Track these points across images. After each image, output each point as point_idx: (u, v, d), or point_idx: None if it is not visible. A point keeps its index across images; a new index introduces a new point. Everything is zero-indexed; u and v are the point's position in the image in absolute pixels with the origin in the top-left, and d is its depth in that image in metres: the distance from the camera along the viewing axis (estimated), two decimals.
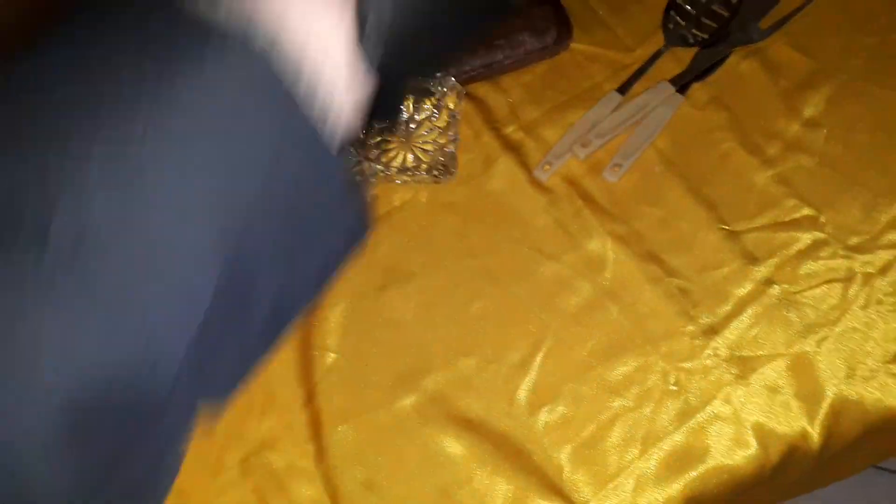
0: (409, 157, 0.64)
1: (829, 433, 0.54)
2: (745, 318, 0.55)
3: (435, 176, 0.63)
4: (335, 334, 0.58)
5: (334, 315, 0.59)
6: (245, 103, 0.18)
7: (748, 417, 0.53)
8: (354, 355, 0.58)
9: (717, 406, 0.53)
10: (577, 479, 0.52)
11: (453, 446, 0.54)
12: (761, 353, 0.54)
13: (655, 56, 0.66)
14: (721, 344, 0.54)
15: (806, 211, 0.58)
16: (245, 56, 0.18)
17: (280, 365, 0.58)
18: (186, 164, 0.17)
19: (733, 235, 0.58)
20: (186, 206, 0.18)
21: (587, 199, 0.61)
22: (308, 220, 0.21)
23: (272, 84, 0.18)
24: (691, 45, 0.65)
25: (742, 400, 0.53)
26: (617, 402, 0.53)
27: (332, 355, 0.58)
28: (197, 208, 0.18)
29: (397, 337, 0.58)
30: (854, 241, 0.57)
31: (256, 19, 0.18)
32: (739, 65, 0.65)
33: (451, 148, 0.63)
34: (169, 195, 0.17)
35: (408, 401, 0.56)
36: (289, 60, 0.18)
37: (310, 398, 0.57)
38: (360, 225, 0.23)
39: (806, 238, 0.57)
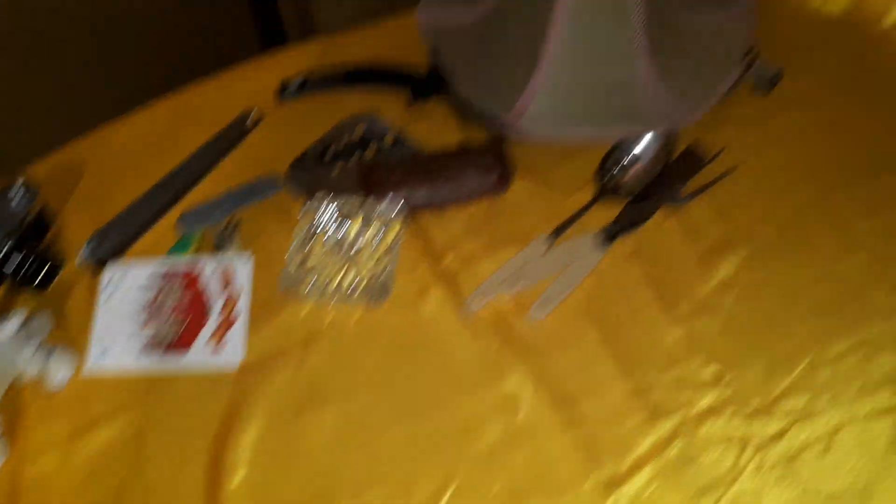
0: (349, 277, 0.65)
1: None
2: (646, 473, 0.55)
3: (369, 299, 0.64)
4: (248, 452, 0.57)
5: (249, 432, 0.58)
6: None
7: None
8: (264, 476, 0.56)
9: None
10: None
11: None
12: None
13: (588, 205, 0.69)
14: (620, 499, 0.55)
15: (711, 370, 0.60)
16: None
17: (186, 484, 0.56)
18: None
19: (642, 388, 0.59)
20: None
21: (510, 337, 0.62)
22: None
23: None
24: (620, 199, 0.69)
25: None
26: None
27: (242, 473, 0.56)
28: None
29: (309, 461, 0.57)
30: (753, 404, 0.58)
31: None
32: (663, 222, 0.68)
33: (388, 272, 0.64)
34: None
35: None
36: None
37: None
38: None
39: (709, 397, 0.59)
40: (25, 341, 0.57)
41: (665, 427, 0.58)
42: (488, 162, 0.68)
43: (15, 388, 0.59)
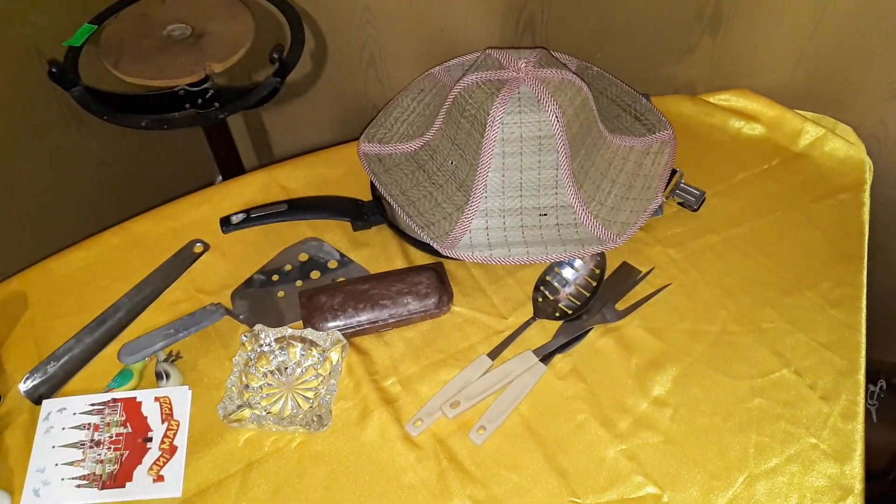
0: (290, 403, 0.68)
1: None
2: None
3: (308, 426, 0.66)
4: None
5: None
6: None
7: None
8: None
9: None
10: None
11: None
12: None
13: (525, 325, 0.73)
14: None
15: (650, 489, 0.62)
16: None
17: None
18: None
19: None
20: None
21: (452, 459, 0.64)
22: None
23: None
24: (556, 319, 0.74)
25: None
26: None
27: None
28: None
29: None
30: None
31: None
32: (598, 341, 0.72)
33: (326, 401, 0.67)
34: None
35: None
36: None
37: None
38: None
39: None
40: None
41: None
42: (430, 286, 0.73)
43: None
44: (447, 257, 0.75)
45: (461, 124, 0.75)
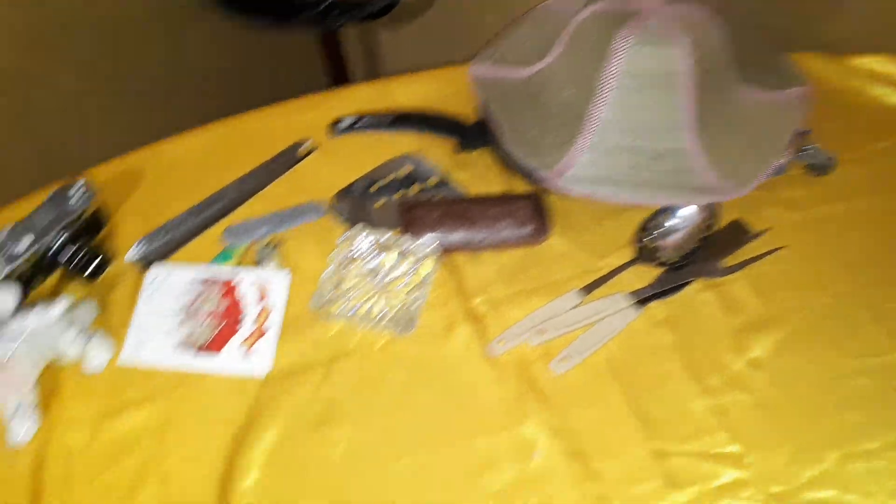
0: (378, 305, 0.69)
1: None
2: None
3: (395, 328, 0.68)
4: (262, 457, 0.60)
5: (266, 439, 0.61)
6: None
7: None
8: (274, 482, 0.58)
9: None
10: None
11: None
12: None
13: (623, 267, 0.72)
14: None
15: (734, 447, 0.61)
16: None
17: (203, 477, 0.59)
18: None
19: (660, 455, 0.60)
20: None
21: (532, 384, 0.65)
22: None
23: None
24: (656, 265, 0.73)
25: None
26: None
27: (256, 473, 0.59)
28: None
29: (319, 476, 0.59)
30: (775, 489, 0.58)
31: None
32: (698, 294, 0.70)
33: (416, 305, 0.69)
34: None
35: None
36: None
37: None
38: None
39: (729, 474, 0.59)
40: (69, 325, 0.62)
41: (679, 498, 0.58)
42: (527, 214, 0.73)
43: (54, 367, 0.64)
44: (550, 189, 0.74)
45: (580, 54, 0.73)
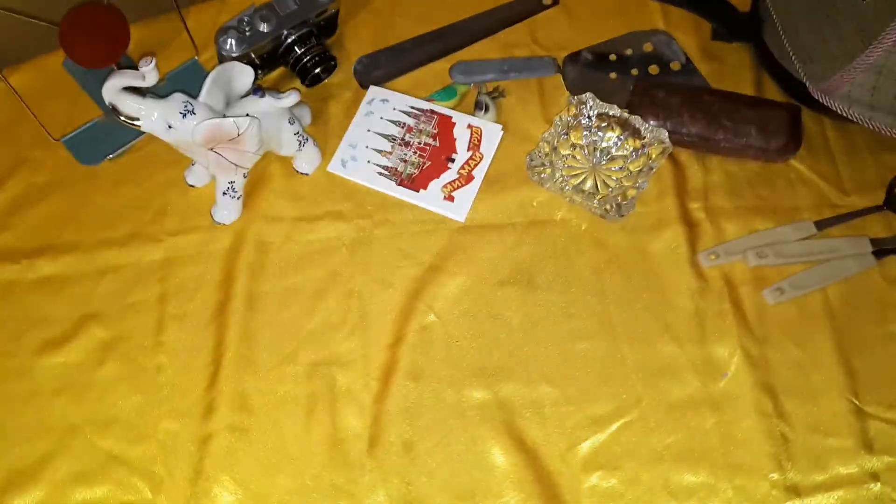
0: (590, 182, 0.66)
1: None
2: (834, 498, 0.53)
3: (605, 210, 0.65)
4: (444, 300, 0.60)
5: (452, 283, 0.61)
6: None
7: None
8: (451, 328, 0.59)
9: None
10: None
11: (498, 457, 0.55)
12: None
13: (867, 210, 0.64)
14: None
15: None
16: None
17: (383, 302, 0.61)
18: None
19: (860, 414, 0.56)
20: None
21: (737, 305, 0.60)
22: None
23: None
24: None
25: None
26: None
27: (433, 317, 0.60)
28: None
29: (496, 332, 0.59)
30: None
31: None
32: None
33: (633, 194, 0.65)
34: None
35: (478, 394, 0.57)
36: None
37: (396, 343, 0.59)
38: None
39: None
40: (292, 121, 0.63)
41: (872, 463, 0.54)
42: (780, 126, 0.65)
43: (268, 160, 0.67)
44: (810, 104, 0.66)
45: None
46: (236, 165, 0.61)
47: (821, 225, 0.64)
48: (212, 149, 0.58)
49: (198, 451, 0.56)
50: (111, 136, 0.68)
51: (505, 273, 0.62)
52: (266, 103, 0.61)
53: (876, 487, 0.54)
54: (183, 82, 0.69)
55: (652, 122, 0.66)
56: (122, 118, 0.56)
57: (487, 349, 0.59)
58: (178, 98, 0.57)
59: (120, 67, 0.64)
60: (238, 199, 0.64)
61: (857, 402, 0.56)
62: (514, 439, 0.56)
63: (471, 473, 0.55)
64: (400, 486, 0.55)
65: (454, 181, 0.66)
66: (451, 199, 0.65)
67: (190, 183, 0.67)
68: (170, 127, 0.56)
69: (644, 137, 0.66)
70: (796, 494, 0.53)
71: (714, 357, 0.58)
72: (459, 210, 0.65)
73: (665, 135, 0.65)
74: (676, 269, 0.62)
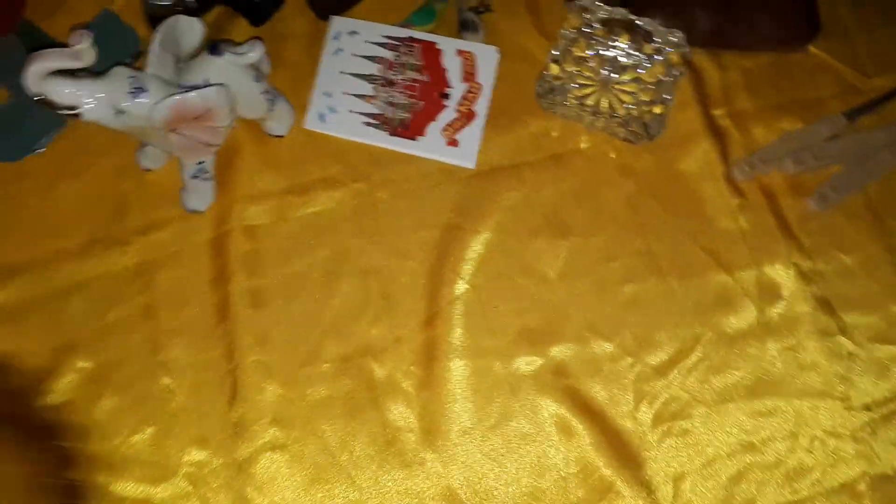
0: (605, 102, 0.60)
1: None
2: None
3: (631, 133, 0.59)
4: (472, 263, 0.55)
5: (476, 243, 0.55)
6: None
7: None
8: (486, 293, 0.54)
9: (846, 489, 0.50)
10: None
11: (563, 427, 0.51)
12: None
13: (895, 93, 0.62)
14: (873, 425, 0.51)
15: None
16: None
17: (404, 277, 0.54)
18: None
19: None
20: None
21: (780, 218, 0.57)
22: None
23: None
24: None
25: (874, 493, 0.50)
26: (745, 443, 0.51)
27: (464, 285, 0.54)
28: None
29: (535, 289, 0.54)
30: None
31: None
32: None
33: (660, 111, 0.59)
34: None
35: (529, 361, 0.53)
36: None
37: (430, 321, 0.53)
38: None
39: None
40: (258, 78, 0.53)
41: None
42: (792, 7, 0.60)
43: (236, 130, 0.57)
44: None
45: None
46: (207, 144, 0.51)
47: (851, 115, 0.60)
48: (173, 130, 0.49)
49: (238, 478, 0.50)
50: (30, 122, 0.57)
51: (532, 221, 0.56)
52: (226, 62, 0.50)
53: None
54: (100, 45, 0.56)
55: (660, 22, 0.60)
56: (57, 109, 0.45)
57: (528, 310, 0.54)
58: (121, 74, 0.46)
59: (21, 38, 0.52)
60: (211, 179, 0.55)
61: None
62: (578, 405, 0.52)
63: (539, 448, 0.51)
64: (465, 474, 0.51)
65: (454, 121, 0.58)
66: (454, 143, 0.58)
67: (145, 167, 0.57)
68: (119, 112, 0.46)
69: (658, 40, 0.59)
70: (869, 411, 0.52)
71: (767, 279, 0.55)
72: (467, 155, 0.58)
73: (680, 35, 0.59)
74: (713, 187, 0.58)
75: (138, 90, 0.46)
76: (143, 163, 0.57)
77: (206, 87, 0.48)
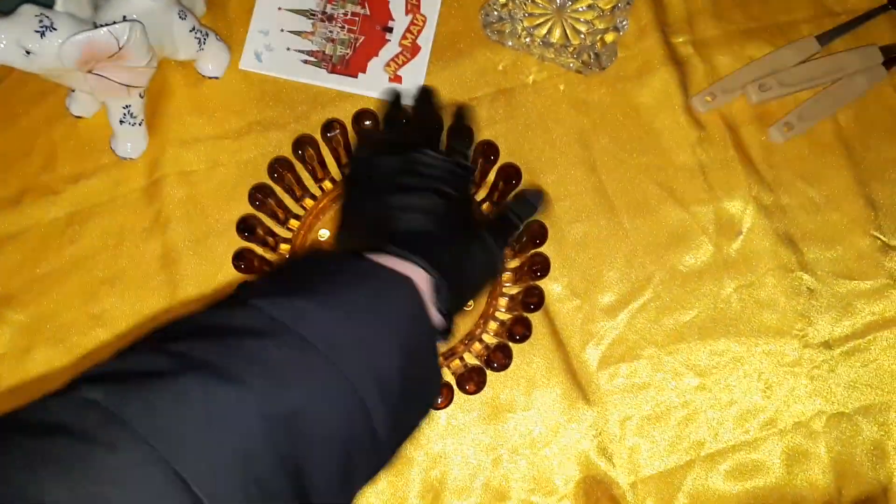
0: (558, 31, 0.57)
1: None
2: (867, 344, 0.51)
3: (582, 63, 0.56)
4: None
5: None
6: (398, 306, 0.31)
7: (831, 449, 0.49)
8: None
9: (801, 427, 0.49)
10: (628, 451, 0.49)
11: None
12: (871, 391, 0.50)
13: (872, 13, 0.58)
14: (831, 363, 0.51)
15: None
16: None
17: None
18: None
19: (887, 250, 0.53)
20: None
21: (742, 151, 0.55)
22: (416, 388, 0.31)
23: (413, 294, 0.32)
24: None
25: (830, 432, 0.49)
26: (696, 385, 0.50)
27: None
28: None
29: None
30: None
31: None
32: None
33: (612, 38, 0.56)
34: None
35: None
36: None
37: None
38: (434, 397, 0.36)
39: None
40: (182, 14, 0.51)
41: None
42: None
43: (162, 69, 0.55)
44: None
45: None
46: (128, 86, 0.50)
47: (823, 39, 0.57)
48: (90, 71, 0.47)
49: None
50: None
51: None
52: None
53: None
54: None
55: None
56: None
57: None
58: (28, 12, 0.45)
59: None
60: (140, 124, 0.54)
61: (882, 238, 0.53)
62: (528, 344, 0.51)
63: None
64: None
65: (397, 56, 0.56)
66: (397, 79, 0.56)
67: (76, 114, 0.55)
68: (28, 53, 0.45)
69: None
70: (829, 349, 0.51)
71: (726, 214, 0.53)
72: (412, 86, 0.56)
73: None
74: (671, 119, 0.55)
75: (46, 28, 0.45)
76: (73, 109, 0.55)
77: (117, 24, 0.46)
